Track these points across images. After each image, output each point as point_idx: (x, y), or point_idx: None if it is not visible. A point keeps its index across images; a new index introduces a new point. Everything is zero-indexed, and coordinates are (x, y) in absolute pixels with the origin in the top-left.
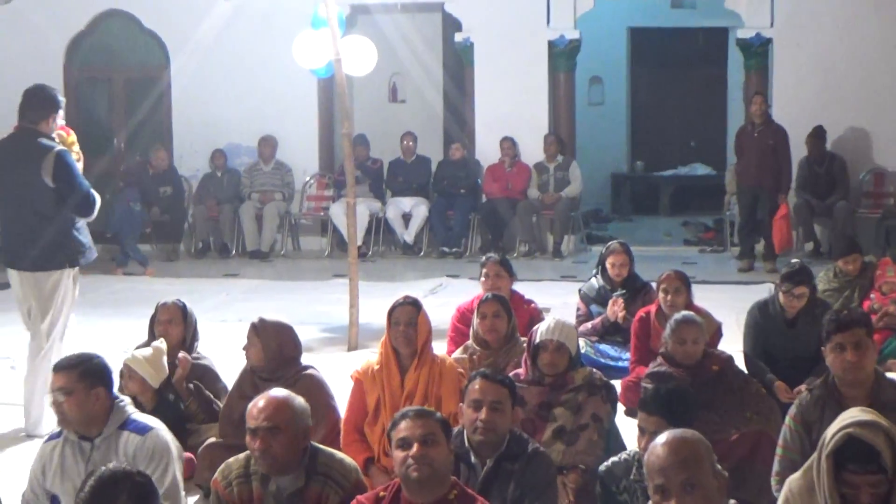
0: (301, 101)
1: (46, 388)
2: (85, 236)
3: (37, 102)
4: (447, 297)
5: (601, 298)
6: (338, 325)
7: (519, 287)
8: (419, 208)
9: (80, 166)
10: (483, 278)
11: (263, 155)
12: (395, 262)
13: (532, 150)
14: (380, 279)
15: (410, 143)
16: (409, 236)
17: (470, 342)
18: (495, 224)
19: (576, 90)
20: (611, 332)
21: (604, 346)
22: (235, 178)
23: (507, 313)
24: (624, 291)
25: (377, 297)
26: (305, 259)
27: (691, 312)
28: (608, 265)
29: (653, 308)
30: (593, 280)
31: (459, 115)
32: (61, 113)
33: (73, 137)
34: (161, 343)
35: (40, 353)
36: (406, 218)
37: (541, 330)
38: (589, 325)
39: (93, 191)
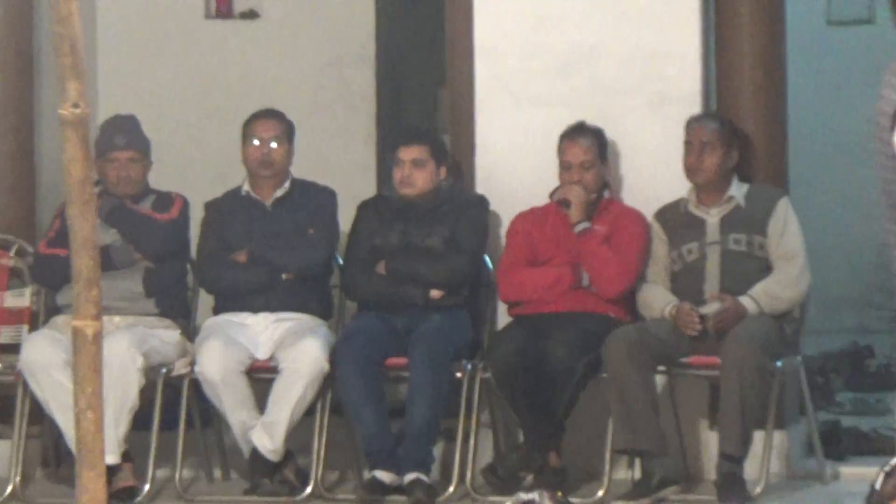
0: None
1: None
2: None
3: None
4: None
5: None
6: None
7: None
8: (304, 348)
9: None
10: None
11: None
12: None
13: (652, 167)
14: None
15: (275, 148)
16: (268, 440)
17: None
18: (537, 397)
19: None
20: None
21: None
22: None
23: None
24: None
25: None
26: None
27: None
28: None
29: None
30: None
31: (431, 54)
32: None
33: None
34: None
35: None
36: (260, 379)
37: None
38: None
39: None
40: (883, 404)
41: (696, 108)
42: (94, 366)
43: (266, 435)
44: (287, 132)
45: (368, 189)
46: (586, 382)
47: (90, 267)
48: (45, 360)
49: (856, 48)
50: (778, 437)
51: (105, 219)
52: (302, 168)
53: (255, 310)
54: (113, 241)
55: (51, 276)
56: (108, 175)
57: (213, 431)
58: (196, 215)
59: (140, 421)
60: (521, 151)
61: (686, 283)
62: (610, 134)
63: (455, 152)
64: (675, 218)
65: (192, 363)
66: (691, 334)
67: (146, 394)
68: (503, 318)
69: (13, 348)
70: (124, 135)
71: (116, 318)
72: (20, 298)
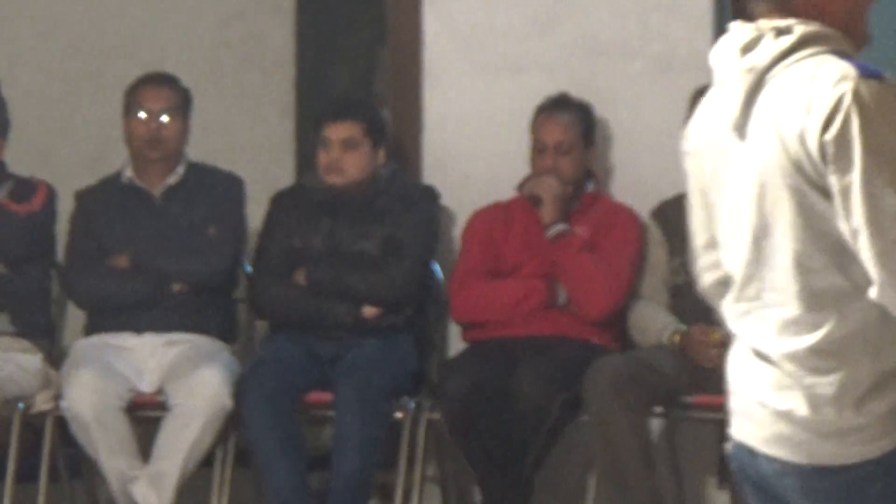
0: None
1: None
2: None
3: None
4: None
5: None
6: None
7: None
8: (201, 379)
9: None
10: None
11: None
12: None
13: (651, 152)
14: None
15: (166, 123)
16: (155, 496)
17: None
18: (499, 445)
19: None
20: None
21: None
22: None
23: None
24: None
25: None
26: None
27: None
28: None
29: None
30: None
31: (367, 4)
32: None
33: None
34: None
35: None
36: (144, 418)
37: None
38: None
39: None
40: None
41: (707, 76)
42: None
43: (152, 489)
44: (181, 103)
45: (285, 176)
46: (562, 427)
47: None
48: None
49: None
50: None
51: None
52: (200, 149)
53: (138, 330)
54: None
55: None
56: None
57: (84, 484)
58: (64, 208)
59: None
60: (482, 131)
61: (691, 300)
62: (598, 110)
63: (397, 130)
64: (679, 217)
65: (58, 397)
66: (705, 365)
67: None
68: (456, 343)
69: None
70: None
71: None
72: None
